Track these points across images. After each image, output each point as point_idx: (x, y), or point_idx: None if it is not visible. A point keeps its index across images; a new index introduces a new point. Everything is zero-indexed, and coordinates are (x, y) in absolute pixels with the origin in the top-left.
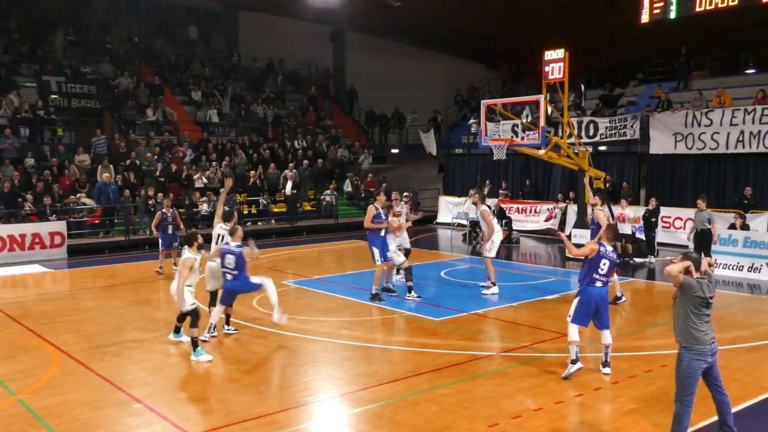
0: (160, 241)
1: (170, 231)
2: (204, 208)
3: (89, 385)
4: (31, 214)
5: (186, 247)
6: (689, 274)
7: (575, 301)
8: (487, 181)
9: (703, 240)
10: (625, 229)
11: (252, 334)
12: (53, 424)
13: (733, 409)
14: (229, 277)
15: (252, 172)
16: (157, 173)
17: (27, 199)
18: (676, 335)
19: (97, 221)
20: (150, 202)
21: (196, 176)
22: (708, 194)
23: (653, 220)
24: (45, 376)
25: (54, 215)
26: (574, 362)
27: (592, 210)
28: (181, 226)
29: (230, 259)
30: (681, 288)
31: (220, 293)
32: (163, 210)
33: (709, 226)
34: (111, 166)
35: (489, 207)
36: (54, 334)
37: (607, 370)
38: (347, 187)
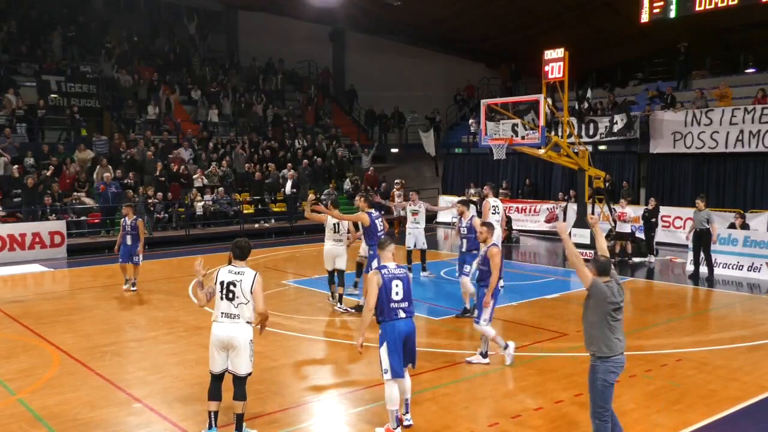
0: (119, 253)
1: (129, 242)
2: (199, 206)
3: (89, 385)
4: (52, 211)
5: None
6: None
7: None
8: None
9: (702, 239)
10: (625, 228)
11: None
12: (53, 423)
13: (733, 408)
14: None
15: (258, 174)
16: (157, 173)
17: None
18: (586, 344)
19: (96, 221)
20: (149, 201)
21: (195, 176)
22: (707, 194)
23: (653, 220)
24: (45, 376)
25: (54, 214)
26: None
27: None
28: (142, 238)
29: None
30: (591, 294)
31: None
32: (125, 218)
33: (707, 226)
34: (110, 165)
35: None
36: (54, 334)
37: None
38: (347, 185)
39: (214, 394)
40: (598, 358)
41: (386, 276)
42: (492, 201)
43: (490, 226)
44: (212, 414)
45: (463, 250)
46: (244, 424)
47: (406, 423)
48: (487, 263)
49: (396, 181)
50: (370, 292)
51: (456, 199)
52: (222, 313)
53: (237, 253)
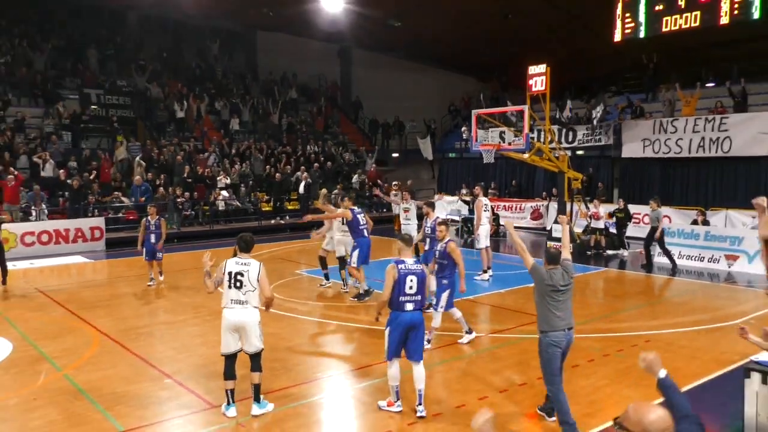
0: (144, 251)
1: (153, 240)
2: (222, 204)
3: (125, 362)
4: (95, 208)
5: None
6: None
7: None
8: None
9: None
10: (599, 224)
11: (268, 316)
12: (94, 396)
13: (695, 383)
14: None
15: (278, 176)
16: (185, 174)
17: (91, 194)
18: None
19: (132, 217)
20: (178, 200)
21: (219, 177)
22: (672, 193)
23: (622, 217)
24: (86, 354)
25: (95, 211)
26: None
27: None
28: (164, 236)
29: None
30: (532, 277)
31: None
32: (148, 218)
33: (659, 224)
34: (143, 166)
35: (485, 201)
36: (94, 317)
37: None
38: (356, 182)
39: (230, 374)
40: (541, 332)
41: (402, 271)
42: (483, 200)
43: (447, 224)
44: (229, 392)
45: (427, 248)
46: (261, 395)
47: (419, 414)
48: (446, 257)
49: (394, 182)
50: (387, 285)
51: (450, 198)
52: (231, 299)
53: (242, 246)
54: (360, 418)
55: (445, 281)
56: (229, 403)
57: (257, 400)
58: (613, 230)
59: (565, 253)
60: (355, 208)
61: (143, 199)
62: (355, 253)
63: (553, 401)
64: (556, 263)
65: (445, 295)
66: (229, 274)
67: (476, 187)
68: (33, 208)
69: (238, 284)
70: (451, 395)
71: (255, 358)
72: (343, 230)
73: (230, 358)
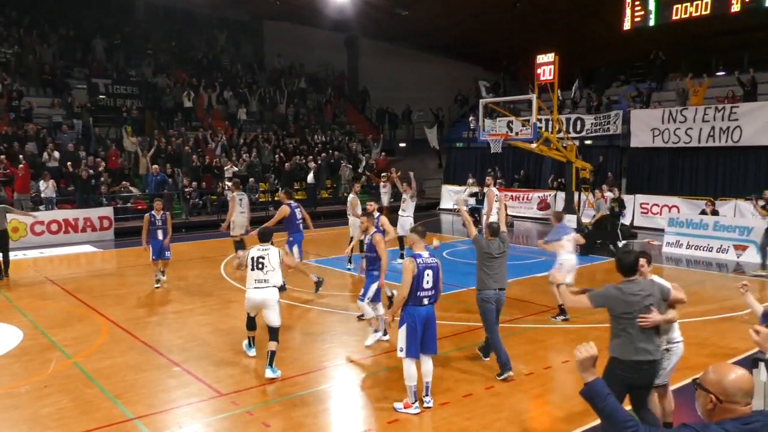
0: (150, 249)
1: (160, 236)
2: (228, 194)
3: (134, 351)
4: (105, 198)
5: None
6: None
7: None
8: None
9: (601, 223)
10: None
11: None
12: (104, 383)
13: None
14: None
15: (287, 165)
16: (193, 164)
17: (104, 183)
18: None
19: (140, 207)
20: (186, 189)
21: (226, 167)
22: (681, 183)
23: (616, 209)
24: (96, 342)
25: (105, 200)
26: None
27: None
28: (170, 232)
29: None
30: (474, 244)
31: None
32: (152, 213)
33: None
34: (147, 157)
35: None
36: (103, 306)
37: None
38: (363, 164)
39: (251, 325)
40: (478, 290)
41: (421, 266)
42: (494, 190)
43: (370, 216)
44: (251, 338)
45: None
46: (273, 363)
47: (426, 404)
48: (373, 249)
49: (383, 174)
50: (406, 280)
51: (457, 188)
52: (255, 280)
53: (262, 238)
54: (367, 407)
55: (375, 273)
56: (251, 346)
57: (270, 365)
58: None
59: (502, 226)
60: (292, 202)
61: (166, 191)
62: (295, 249)
63: (492, 346)
64: (496, 235)
65: (373, 287)
66: (252, 259)
67: (488, 178)
68: (43, 193)
69: (260, 266)
70: (457, 384)
71: (273, 331)
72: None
73: (251, 317)
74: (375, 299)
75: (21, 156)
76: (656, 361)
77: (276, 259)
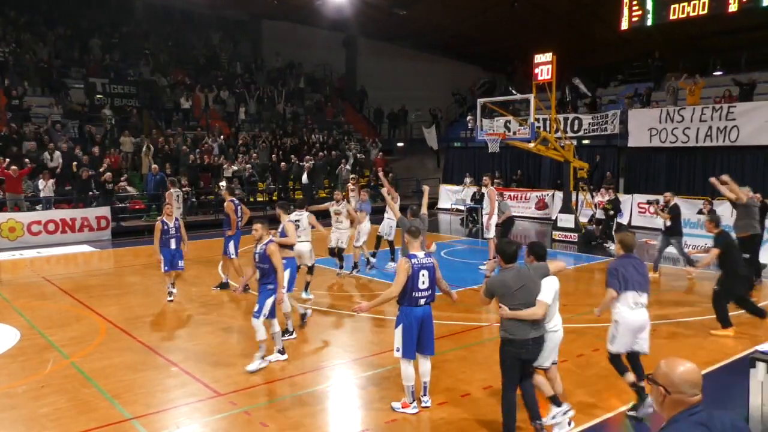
0: (162, 259)
1: (173, 245)
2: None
3: (132, 351)
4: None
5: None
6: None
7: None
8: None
9: (506, 224)
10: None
11: None
12: (101, 384)
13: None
14: None
15: (284, 165)
16: (190, 163)
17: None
18: None
19: (137, 206)
20: (184, 189)
21: (225, 166)
22: (679, 183)
23: (611, 211)
24: (94, 342)
25: (101, 198)
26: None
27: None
28: (186, 238)
29: None
30: (399, 223)
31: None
32: (164, 219)
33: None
34: (149, 156)
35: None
36: (101, 306)
37: None
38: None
39: (310, 271)
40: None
41: (416, 266)
42: (494, 189)
43: (263, 223)
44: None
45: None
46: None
47: (423, 404)
48: (266, 260)
49: (352, 176)
50: (399, 280)
51: (455, 188)
52: (298, 236)
53: (295, 207)
54: (365, 407)
55: (270, 287)
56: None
57: (306, 290)
58: (618, 219)
59: (423, 210)
60: (234, 199)
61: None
62: (231, 244)
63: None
64: (416, 216)
65: (269, 302)
66: (293, 221)
67: (485, 177)
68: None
69: (297, 227)
70: (454, 384)
71: (311, 269)
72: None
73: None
74: (271, 315)
75: (14, 156)
76: (540, 337)
77: (306, 221)
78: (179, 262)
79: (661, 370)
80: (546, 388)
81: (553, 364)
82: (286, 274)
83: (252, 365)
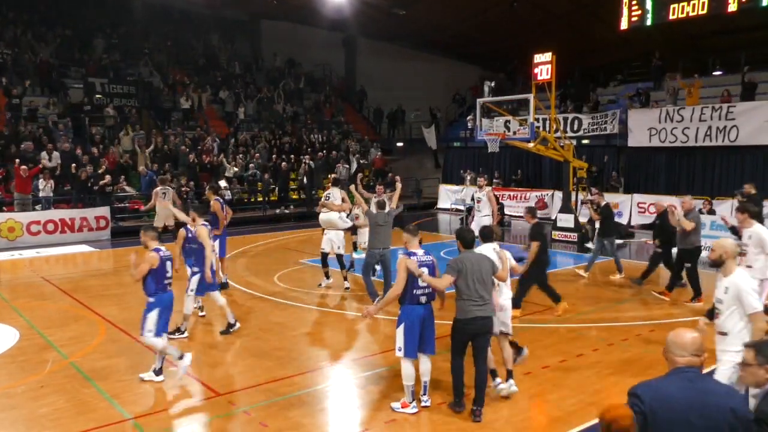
0: (188, 272)
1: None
2: (228, 194)
3: (131, 351)
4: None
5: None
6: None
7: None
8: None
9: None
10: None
11: (274, 305)
12: (100, 384)
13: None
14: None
15: (284, 164)
16: (189, 162)
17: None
18: None
19: (137, 207)
20: (183, 189)
21: (228, 167)
22: (678, 183)
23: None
24: (93, 342)
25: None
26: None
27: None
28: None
29: None
30: (367, 215)
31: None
32: (187, 226)
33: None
34: (148, 155)
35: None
36: (100, 306)
37: None
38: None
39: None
40: (368, 249)
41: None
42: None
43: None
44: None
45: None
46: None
47: (423, 404)
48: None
49: (330, 175)
50: (400, 277)
51: (454, 187)
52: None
53: (335, 183)
54: (364, 407)
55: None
56: (327, 277)
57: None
58: (618, 219)
59: (393, 204)
60: (219, 198)
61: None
62: (217, 243)
63: (368, 289)
64: (382, 209)
65: (195, 279)
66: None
67: (480, 179)
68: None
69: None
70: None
71: (340, 258)
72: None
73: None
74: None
75: (14, 156)
76: (487, 317)
77: (338, 197)
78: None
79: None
80: (509, 360)
81: (502, 334)
82: (194, 280)
83: (147, 373)
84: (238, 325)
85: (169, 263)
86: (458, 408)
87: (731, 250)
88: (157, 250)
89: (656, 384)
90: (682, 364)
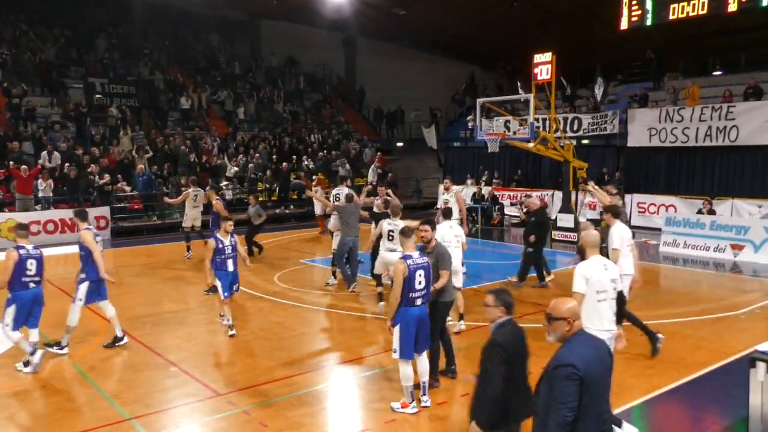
0: (218, 285)
1: (231, 268)
2: (229, 194)
3: (131, 350)
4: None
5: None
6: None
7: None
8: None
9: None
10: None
11: (274, 305)
12: (100, 383)
13: (699, 373)
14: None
15: (284, 164)
16: (189, 162)
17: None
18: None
19: (137, 207)
20: (182, 189)
21: (229, 167)
22: (678, 183)
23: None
24: (93, 342)
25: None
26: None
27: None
28: (246, 256)
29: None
30: (336, 209)
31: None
32: (217, 236)
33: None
34: (146, 156)
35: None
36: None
37: None
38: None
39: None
40: (342, 236)
41: (411, 267)
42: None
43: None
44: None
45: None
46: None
47: (423, 404)
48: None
49: (314, 177)
50: (397, 283)
51: (456, 187)
52: (387, 249)
53: (395, 213)
54: (364, 407)
55: (83, 275)
56: (334, 276)
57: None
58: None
59: (361, 198)
60: (220, 198)
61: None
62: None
63: (344, 275)
64: (350, 202)
65: (83, 287)
66: (386, 231)
67: (446, 181)
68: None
69: (390, 238)
70: (454, 384)
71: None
72: (391, 248)
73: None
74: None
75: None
76: (450, 302)
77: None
78: (235, 285)
79: (560, 307)
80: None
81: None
82: (81, 288)
83: (31, 367)
84: (126, 339)
85: (30, 261)
86: (435, 383)
87: (590, 241)
88: (20, 248)
89: (579, 351)
90: (579, 327)
